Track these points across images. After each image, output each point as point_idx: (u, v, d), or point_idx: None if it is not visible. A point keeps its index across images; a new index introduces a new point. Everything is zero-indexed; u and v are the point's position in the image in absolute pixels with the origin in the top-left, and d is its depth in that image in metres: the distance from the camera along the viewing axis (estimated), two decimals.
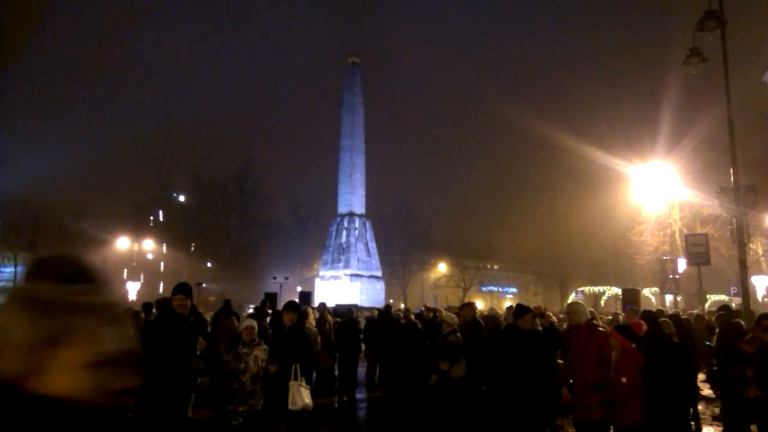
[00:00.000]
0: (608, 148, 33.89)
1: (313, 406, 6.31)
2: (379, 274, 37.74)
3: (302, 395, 6.20)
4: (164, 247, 55.13)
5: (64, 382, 1.06)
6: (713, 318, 11.13)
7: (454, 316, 9.12)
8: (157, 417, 5.64)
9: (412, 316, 12.41)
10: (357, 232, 36.73)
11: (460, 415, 8.16)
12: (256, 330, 6.44)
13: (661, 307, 23.98)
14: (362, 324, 13.92)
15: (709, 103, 25.86)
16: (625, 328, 6.07)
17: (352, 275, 35.25)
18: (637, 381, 5.20)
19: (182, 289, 6.12)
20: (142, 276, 50.55)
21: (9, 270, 41.40)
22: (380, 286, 37.08)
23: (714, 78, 12.13)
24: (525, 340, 6.54)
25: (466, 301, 47.90)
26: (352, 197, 36.97)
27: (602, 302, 42.47)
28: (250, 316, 10.00)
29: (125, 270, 54.38)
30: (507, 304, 19.79)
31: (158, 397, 5.53)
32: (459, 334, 8.24)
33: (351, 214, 36.83)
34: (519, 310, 6.89)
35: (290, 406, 6.17)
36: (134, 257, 53.65)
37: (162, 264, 57.52)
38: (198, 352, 6.84)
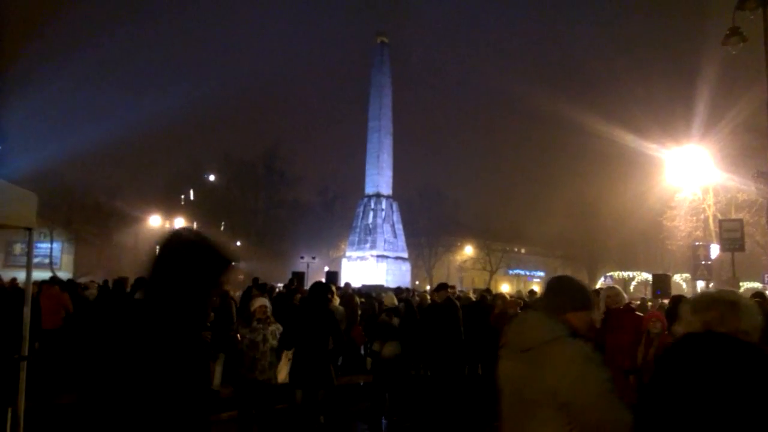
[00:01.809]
0: (641, 132, 33.27)
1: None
2: (405, 255, 37.83)
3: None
4: (195, 226, 56.02)
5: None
6: None
7: (392, 296, 9.23)
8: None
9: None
10: (384, 213, 36.79)
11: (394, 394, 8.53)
12: (269, 309, 6.59)
13: (692, 294, 23.61)
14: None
15: (748, 85, 25.11)
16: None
17: (378, 256, 35.41)
18: None
19: None
20: None
21: (45, 246, 42.46)
22: (406, 268, 37.20)
23: (754, 59, 11.76)
24: None
25: (492, 284, 47.46)
26: (380, 178, 36.98)
27: (631, 288, 41.92)
28: (279, 294, 10.15)
29: (158, 248, 55.48)
30: (534, 287, 19.64)
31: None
32: (391, 315, 8.37)
33: (378, 195, 36.88)
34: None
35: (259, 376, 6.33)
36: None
37: None
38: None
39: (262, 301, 6.70)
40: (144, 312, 1.85)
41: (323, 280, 18.57)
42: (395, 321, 8.29)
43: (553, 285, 2.41)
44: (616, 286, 7.52)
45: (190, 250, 1.97)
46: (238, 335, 6.37)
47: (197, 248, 1.97)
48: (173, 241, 2.03)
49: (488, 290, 15.97)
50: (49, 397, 8.01)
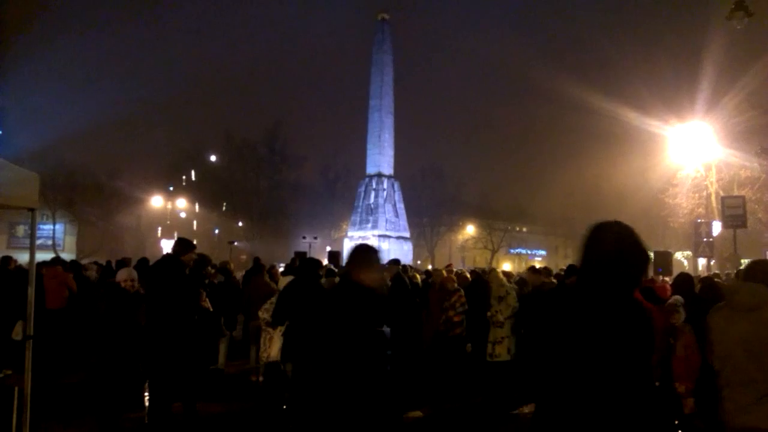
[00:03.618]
0: (644, 109, 33.00)
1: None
2: (407, 235, 37.87)
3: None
4: (197, 206, 56.08)
5: None
6: None
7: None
8: (169, 364, 5.85)
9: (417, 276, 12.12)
10: (385, 193, 36.74)
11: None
12: None
13: (694, 271, 23.66)
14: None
15: (753, 61, 24.90)
16: (648, 290, 6.05)
17: (380, 236, 35.44)
18: (657, 341, 5.13)
19: (193, 245, 6.47)
20: (175, 234, 51.46)
21: (48, 228, 42.55)
22: (408, 247, 37.24)
23: (759, 34, 11.65)
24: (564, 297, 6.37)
25: (494, 263, 47.43)
26: (381, 158, 36.84)
27: None
28: (282, 273, 10.24)
29: (159, 228, 55.64)
30: (535, 265, 19.64)
31: (167, 345, 5.79)
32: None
33: (379, 175, 36.79)
34: (569, 271, 6.85)
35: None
36: (168, 216, 54.75)
37: (195, 222, 58.58)
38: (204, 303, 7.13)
39: (288, 279, 6.97)
40: (581, 298, 2.09)
41: (325, 260, 18.62)
42: None
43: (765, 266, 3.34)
44: None
45: (626, 245, 2.10)
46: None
47: (631, 243, 2.10)
48: (604, 233, 2.14)
49: (489, 268, 15.97)
50: (55, 377, 8.10)
